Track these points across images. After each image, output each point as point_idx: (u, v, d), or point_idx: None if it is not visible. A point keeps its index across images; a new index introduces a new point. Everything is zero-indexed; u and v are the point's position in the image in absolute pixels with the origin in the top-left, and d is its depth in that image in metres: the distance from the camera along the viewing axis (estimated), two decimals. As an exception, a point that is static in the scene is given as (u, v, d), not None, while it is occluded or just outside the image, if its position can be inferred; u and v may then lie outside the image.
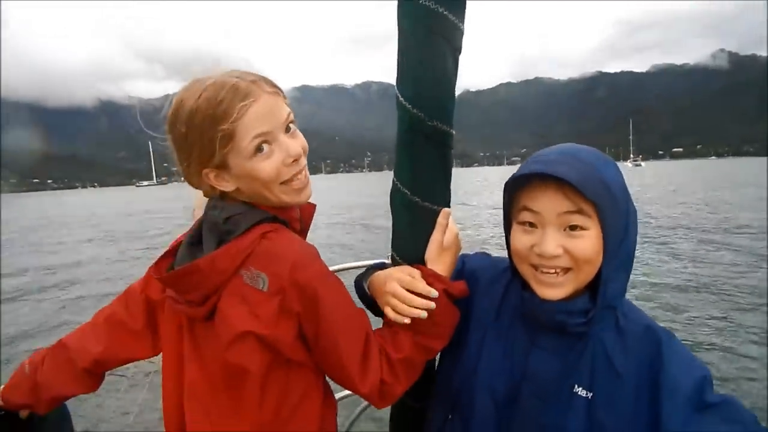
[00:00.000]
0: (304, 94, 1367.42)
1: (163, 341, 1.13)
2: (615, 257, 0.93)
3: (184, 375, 1.04)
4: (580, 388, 0.95)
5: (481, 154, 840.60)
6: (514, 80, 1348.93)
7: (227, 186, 1.01)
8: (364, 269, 1.30)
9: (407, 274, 1.07)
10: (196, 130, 0.95)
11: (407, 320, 1.01)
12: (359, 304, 1.16)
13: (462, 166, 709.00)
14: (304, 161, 1.04)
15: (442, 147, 1.13)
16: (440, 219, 1.13)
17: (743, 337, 6.71)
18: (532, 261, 0.96)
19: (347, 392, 1.28)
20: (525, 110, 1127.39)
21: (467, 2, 1.07)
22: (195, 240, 1.03)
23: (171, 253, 1.06)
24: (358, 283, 1.23)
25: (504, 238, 1.06)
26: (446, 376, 1.15)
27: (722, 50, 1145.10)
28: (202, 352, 1.01)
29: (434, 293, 1.03)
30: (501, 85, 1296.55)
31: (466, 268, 1.22)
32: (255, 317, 0.93)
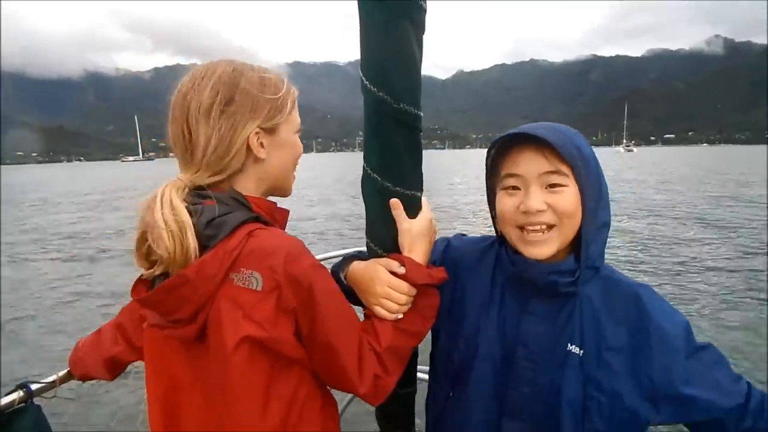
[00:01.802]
0: (297, 70, 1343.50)
1: (147, 369, 1.04)
2: (593, 220, 1.00)
3: (182, 404, 0.97)
4: (574, 347, 1.01)
5: (474, 136, 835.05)
6: (508, 62, 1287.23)
7: (261, 153, 1.01)
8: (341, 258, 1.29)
9: (392, 270, 1.08)
10: (271, 87, 1.01)
11: (400, 316, 1.05)
12: None
13: (455, 148, 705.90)
14: None
15: (410, 130, 1.12)
16: (395, 211, 1.12)
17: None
18: (518, 222, 1.01)
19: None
20: (519, 92, 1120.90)
21: None
22: None
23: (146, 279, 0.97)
24: (335, 273, 1.21)
25: (489, 211, 1.14)
26: (446, 355, 1.18)
27: (717, 36, 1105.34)
28: (203, 376, 0.93)
29: (410, 294, 1.06)
30: (496, 66, 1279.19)
31: (451, 248, 1.25)
32: (251, 320, 0.88)
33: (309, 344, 0.94)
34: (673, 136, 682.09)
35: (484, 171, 1.12)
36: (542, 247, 1.00)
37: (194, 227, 0.89)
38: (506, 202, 1.03)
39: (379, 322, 1.05)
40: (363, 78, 1.10)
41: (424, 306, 1.09)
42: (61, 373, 1.33)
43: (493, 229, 1.19)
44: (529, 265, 1.02)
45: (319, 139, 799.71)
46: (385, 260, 1.11)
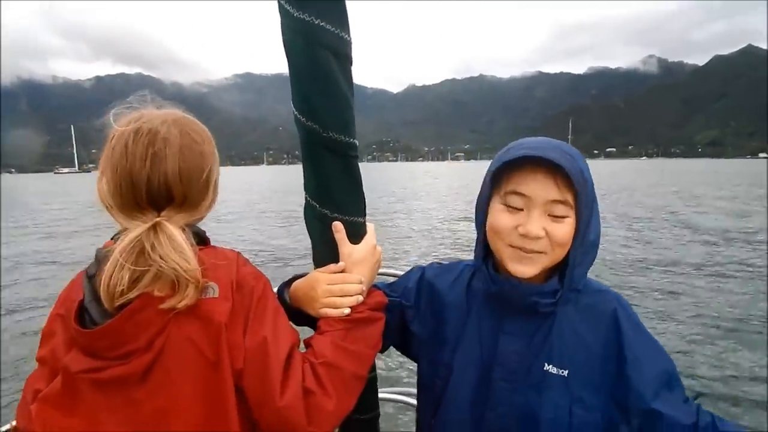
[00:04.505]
0: (247, 81, 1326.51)
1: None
2: (581, 244, 1.00)
3: None
4: (551, 366, 1.01)
5: (426, 149, 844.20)
6: (458, 77, 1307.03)
7: None
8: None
9: (331, 273, 1.11)
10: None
11: (347, 311, 1.06)
12: None
13: (407, 160, 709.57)
14: None
15: (344, 157, 1.13)
16: (337, 234, 1.14)
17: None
18: (512, 242, 1.00)
19: None
20: (468, 106, 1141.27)
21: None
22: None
23: (75, 316, 0.90)
24: (280, 295, 1.20)
25: (475, 219, 1.10)
26: (428, 383, 1.18)
27: (651, 56, 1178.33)
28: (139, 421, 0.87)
29: (357, 282, 1.10)
30: (446, 80, 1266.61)
31: (426, 277, 1.24)
32: (209, 322, 0.89)
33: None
34: (614, 149, 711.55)
35: (485, 182, 1.07)
36: (530, 267, 1.00)
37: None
38: (504, 218, 1.01)
39: (316, 340, 1.04)
40: (293, 108, 1.12)
41: (366, 329, 1.08)
42: (6, 426, 1.12)
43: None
44: (512, 286, 1.03)
45: (271, 152, 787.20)
46: (323, 267, 1.14)
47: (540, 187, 0.97)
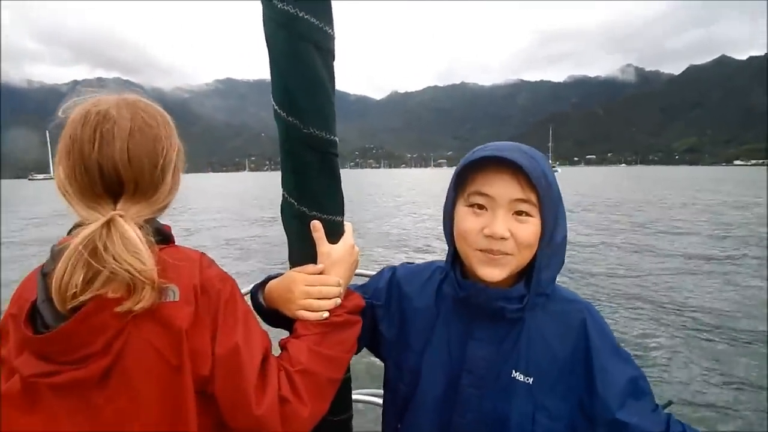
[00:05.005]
0: (229, 87, 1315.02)
1: None
2: (547, 246, 1.00)
3: None
4: (518, 373, 1.01)
5: (409, 155, 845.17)
6: (440, 84, 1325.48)
7: None
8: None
9: (309, 273, 1.08)
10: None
11: (325, 314, 1.04)
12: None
13: (390, 167, 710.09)
14: None
15: (323, 154, 1.11)
16: (315, 233, 1.11)
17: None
18: (479, 245, 1.00)
19: None
20: (450, 113, 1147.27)
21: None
22: None
23: (26, 317, 0.86)
24: (254, 296, 1.19)
25: (443, 223, 1.10)
26: (394, 385, 1.18)
27: (629, 65, 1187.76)
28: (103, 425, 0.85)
29: (335, 284, 1.07)
30: (428, 88, 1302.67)
31: (397, 277, 1.23)
32: (169, 327, 0.86)
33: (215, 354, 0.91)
34: (594, 156, 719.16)
35: (449, 187, 1.07)
36: (498, 269, 0.99)
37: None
38: (470, 221, 1.01)
39: (292, 344, 1.02)
40: (273, 103, 1.09)
41: (343, 333, 1.06)
42: None
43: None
44: (478, 290, 1.03)
45: (253, 158, 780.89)
46: (300, 267, 1.11)
47: (503, 187, 0.97)
